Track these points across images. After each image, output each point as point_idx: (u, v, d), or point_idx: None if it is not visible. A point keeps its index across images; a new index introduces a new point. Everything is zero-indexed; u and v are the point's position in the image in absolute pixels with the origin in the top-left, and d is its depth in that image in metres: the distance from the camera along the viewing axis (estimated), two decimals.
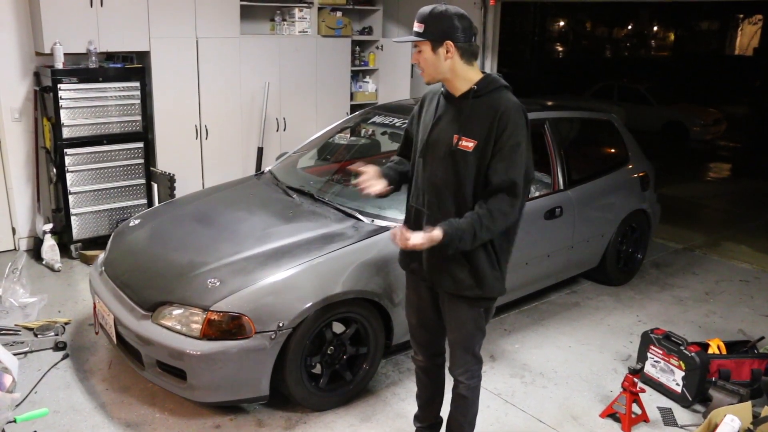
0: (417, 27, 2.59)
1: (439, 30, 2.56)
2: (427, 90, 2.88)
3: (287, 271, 3.40)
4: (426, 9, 2.59)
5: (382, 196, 2.86)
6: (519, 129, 2.57)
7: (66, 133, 5.31)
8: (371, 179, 2.76)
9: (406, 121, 3.01)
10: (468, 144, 2.58)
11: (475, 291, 2.71)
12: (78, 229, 5.54)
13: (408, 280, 3.01)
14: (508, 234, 2.74)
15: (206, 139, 6.32)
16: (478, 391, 2.99)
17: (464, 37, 2.58)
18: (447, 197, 2.65)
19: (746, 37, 29.64)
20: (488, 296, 2.76)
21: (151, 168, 5.88)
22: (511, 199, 2.55)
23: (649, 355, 3.95)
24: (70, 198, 5.45)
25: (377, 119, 4.79)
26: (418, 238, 2.47)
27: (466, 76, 2.63)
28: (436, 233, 2.48)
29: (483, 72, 2.67)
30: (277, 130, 6.81)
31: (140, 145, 5.72)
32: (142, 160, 5.76)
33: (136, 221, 4.29)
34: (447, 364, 3.05)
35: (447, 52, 2.57)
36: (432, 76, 2.63)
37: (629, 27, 31.35)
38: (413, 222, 2.81)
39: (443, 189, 2.65)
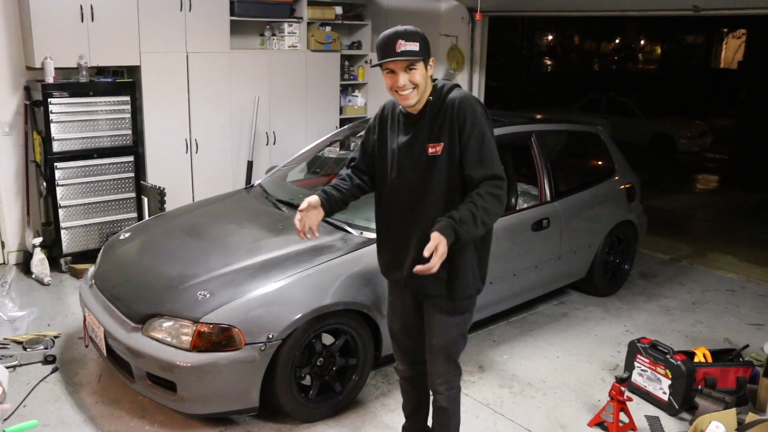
0: (411, 46, 2.55)
1: (428, 46, 2.63)
2: (384, 104, 2.91)
3: (277, 283, 3.42)
4: (408, 28, 2.60)
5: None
6: (478, 116, 2.61)
7: (56, 146, 5.33)
8: (308, 217, 2.81)
9: None
10: (437, 148, 2.64)
11: (455, 289, 2.74)
12: (68, 242, 5.54)
13: (391, 286, 3.04)
14: (486, 234, 2.79)
15: (196, 152, 6.34)
16: (458, 402, 3.00)
17: None
18: (428, 206, 2.68)
19: (731, 51, 30.05)
20: (468, 294, 2.78)
21: (142, 182, 5.89)
22: (497, 182, 2.58)
23: (636, 364, 3.99)
24: (60, 212, 5.45)
25: None
26: (435, 259, 2.41)
27: (428, 91, 2.69)
28: (440, 243, 2.42)
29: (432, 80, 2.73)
30: (267, 144, 6.84)
31: (130, 159, 5.74)
32: (132, 174, 5.77)
33: (127, 235, 4.30)
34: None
35: (431, 67, 2.66)
36: (421, 95, 2.64)
37: (617, 41, 31.68)
38: (393, 234, 2.83)
39: (425, 199, 2.69)
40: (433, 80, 2.73)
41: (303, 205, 2.82)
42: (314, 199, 2.84)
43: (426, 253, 2.42)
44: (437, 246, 2.42)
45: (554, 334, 4.77)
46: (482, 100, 6.73)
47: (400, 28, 2.60)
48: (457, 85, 2.75)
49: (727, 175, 12.25)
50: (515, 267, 4.51)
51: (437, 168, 2.65)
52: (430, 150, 2.65)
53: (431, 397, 3.03)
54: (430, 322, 2.88)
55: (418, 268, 2.45)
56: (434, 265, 2.42)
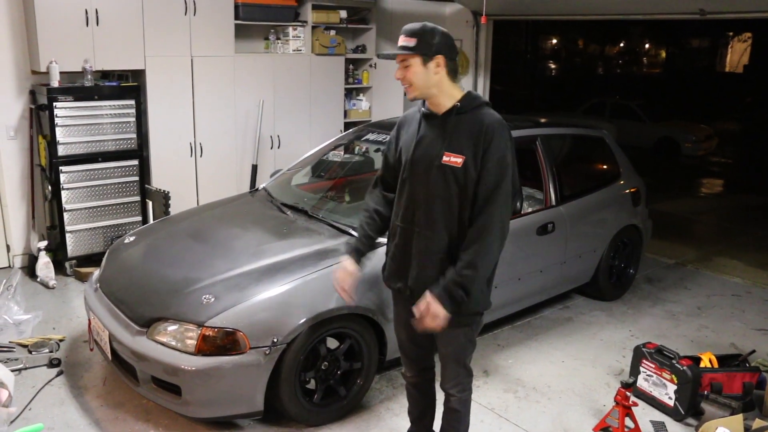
0: (406, 41, 2.62)
1: (430, 44, 2.61)
2: (404, 114, 2.93)
3: (282, 287, 3.42)
4: (415, 25, 2.65)
5: None
6: (504, 142, 2.62)
7: (61, 150, 5.34)
8: (345, 282, 2.89)
9: None
10: (457, 160, 2.62)
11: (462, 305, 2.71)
12: (73, 246, 5.55)
13: (395, 297, 3.02)
14: None
15: (201, 156, 6.35)
16: (469, 404, 3.00)
17: (450, 54, 2.66)
18: (437, 213, 2.67)
19: (736, 55, 30.03)
20: (474, 311, 2.77)
21: (146, 185, 5.90)
22: (501, 208, 2.61)
23: (641, 369, 3.97)
24: (65, 215, 5.46)
25: (371, 136, 4.84)
26: (428, 322, 2.62)
27: (450, 92, 2.68)
28: (432, 306, 2.59)
29: (464, 90, 2.73)
30: (272, 148, 6.85)
31: (135, 162, 5.75)
32: (136, 178, 5.78)
33: (131, 238, 4.30)
34: (437, 378, 3.07)
35: (437, 66, 2.63)
36: (420, 91, 2.65)
37: (621, 44, 31.68)
38: (399, 240, 2.81)
39: (433, 205, 2.67)
40: (465, 90, 2.73)
41: (338, 274, 2.89)
42: (351, 266, 2.89)
43: (416, 313, 2.62)
44: (429, 308, 2.60)
45: (559, 339, 4.76)
46: None
47: (410, 24, 2.66)
48: (488, 103, 2.73)
49: (732, 179, 12.22)
50: (520, 271, 4.50)
51: (450, 178, 2.63)
52: (445, 158, 2.63)
53: (442, 399, 3.02)
54: (437, 332, 2.86)
55: (421, 307, 2.62)
56: (434, 327, 2.62)
